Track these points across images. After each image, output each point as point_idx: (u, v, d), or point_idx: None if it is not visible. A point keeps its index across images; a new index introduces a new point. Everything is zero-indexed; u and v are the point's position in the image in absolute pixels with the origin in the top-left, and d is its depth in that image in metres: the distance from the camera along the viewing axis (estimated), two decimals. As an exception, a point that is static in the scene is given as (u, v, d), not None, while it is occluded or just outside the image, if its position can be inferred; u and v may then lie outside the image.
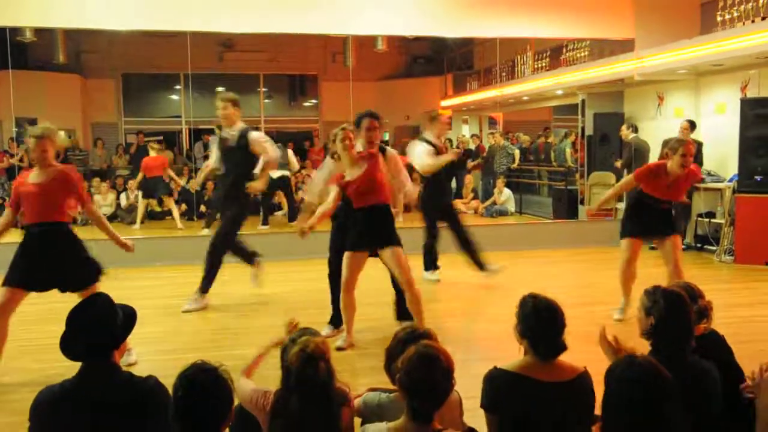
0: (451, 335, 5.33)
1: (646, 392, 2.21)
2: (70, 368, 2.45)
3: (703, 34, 9.23)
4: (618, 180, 10.84)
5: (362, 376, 3.92)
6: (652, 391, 2.21)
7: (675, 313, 2.74)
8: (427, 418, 2.26)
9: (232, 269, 7.39)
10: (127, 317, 2.51)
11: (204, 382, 2.17)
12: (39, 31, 9.50)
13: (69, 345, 2.40)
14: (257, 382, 2.85)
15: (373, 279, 5.87)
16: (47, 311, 5.42)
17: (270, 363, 3.01)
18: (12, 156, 11.82)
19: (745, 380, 2.92)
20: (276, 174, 10.69)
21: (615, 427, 2.30)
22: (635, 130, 10.39)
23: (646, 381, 2.23)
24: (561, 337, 2.61)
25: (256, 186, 6.52)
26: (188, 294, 6.60)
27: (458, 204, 13.18)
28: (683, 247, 9.52)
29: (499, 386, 2.59)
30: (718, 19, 8.87)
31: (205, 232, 10.02)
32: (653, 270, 7.26)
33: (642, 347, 2.74)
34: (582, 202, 11.35)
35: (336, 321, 5.56)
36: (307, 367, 2.44)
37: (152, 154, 11.39)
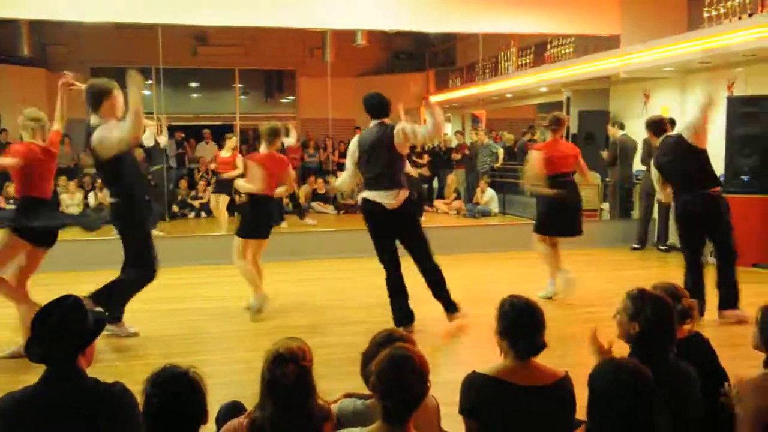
0: (431, 339, 5.26)
1: (634, 396, 2.18)
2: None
3: (690, 30, 9.11)
4: (604, 179, 10.69)
5: (343, 381, 3.73)
6: (640, 394, 2.19)
7: (660, 320, 2.72)
8: (401, 422, 2.23)
9: (212, 271, 7.20)
10: (97, 322, 2.46)
11: (177, 386, 2.16)
12: (2, 22, 9.19)
13: (33, 347, 2.35)
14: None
15: (357, 283, 5.73)
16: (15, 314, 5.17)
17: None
18: None
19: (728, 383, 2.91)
20: None
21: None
22: (622, 127, 10.25)
23: (633, 384, 2.20)
24: (539, 336, 2.60)
25: None
26: (165, 297, 6.40)
27: (440, 204, 12.96)
28: (663, 248, 9.44)
29: (477, 391, 2.58)
30: (705, 15, 8.82)
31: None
32: (639, 272, 7.14)
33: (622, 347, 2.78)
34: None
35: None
36: (274, 368, 2.36)
37: None
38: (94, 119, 4.94)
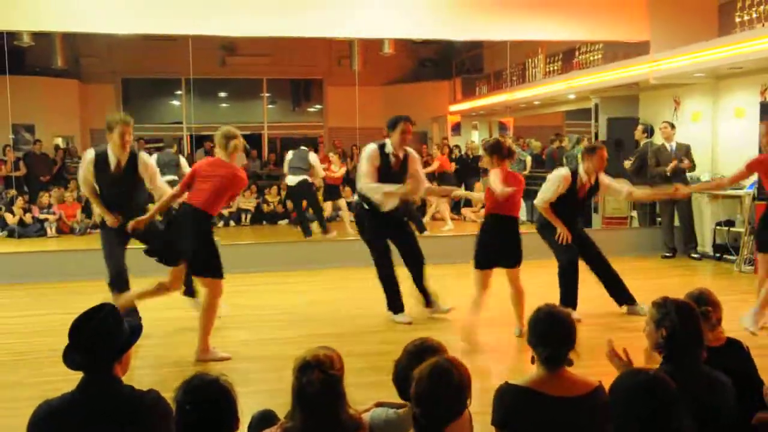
0: (453, 347, 5.12)
1: (653, 400, 2.16)
2: (69, 382, 2.40)
3: (721, 35, 9.00)
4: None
5: (368, 390, 3.74)
6: (656, 398, 2.17)
7: (686, 324, 2.70)
8: None
9: (241, 279, 7.24)
10: (132, 330, 2.49)
11: (208, 393, 2.21)
12: (36, 36, 9.37)
13: (70, 355, 2.38)
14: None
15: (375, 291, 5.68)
16: (44, 323, 5.24)
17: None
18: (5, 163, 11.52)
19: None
20: (294, 181, 10.45)
21: None
22: (650, 134, 10.11)
23: (652, 389, 2.19)
24: (564, 347, 2.58)
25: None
26: (186, 306, 6.41)
27: (467, 212, 12.89)
28: (696, 256, 9.31)
29: (509, 402, 2.55)
30: (737, 20, 8.69)
31: None
32: (667, 280, 7.04)
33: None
34: (596, 210, 11.08)
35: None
36: (301, 376, 2.36)
37: None
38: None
